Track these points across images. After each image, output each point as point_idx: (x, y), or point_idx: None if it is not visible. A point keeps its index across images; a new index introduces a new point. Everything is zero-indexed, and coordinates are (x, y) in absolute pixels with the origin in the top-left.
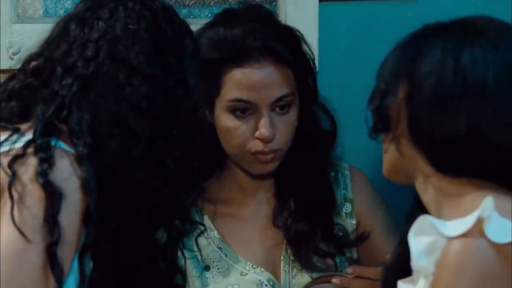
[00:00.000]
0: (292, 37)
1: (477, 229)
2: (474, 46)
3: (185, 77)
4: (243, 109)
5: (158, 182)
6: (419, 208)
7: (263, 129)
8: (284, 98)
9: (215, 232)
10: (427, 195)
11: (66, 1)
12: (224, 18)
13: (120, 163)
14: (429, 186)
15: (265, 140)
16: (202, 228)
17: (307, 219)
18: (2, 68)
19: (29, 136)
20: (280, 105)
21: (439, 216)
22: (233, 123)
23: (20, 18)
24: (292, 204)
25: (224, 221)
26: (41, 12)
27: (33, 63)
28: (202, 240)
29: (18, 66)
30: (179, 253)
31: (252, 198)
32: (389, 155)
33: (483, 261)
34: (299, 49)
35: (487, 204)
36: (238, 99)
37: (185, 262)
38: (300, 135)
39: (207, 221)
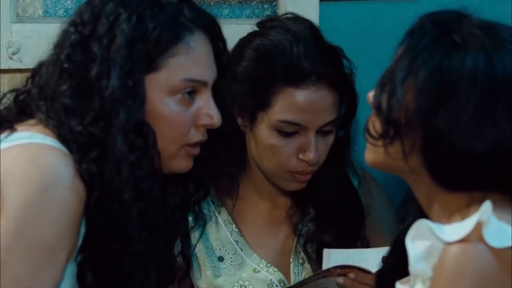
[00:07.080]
0: (338, 59)
1: (476, 234)
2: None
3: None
4: (291, 130)
5: (148, 200)
6: (415, 207)
7: (310, 154)
8: (331, 123)
9: (234, 225)
10: (426, 202)
11: (65, 1)
12: (276, 31)
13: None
14: (430, 196)
15: (310, 163)
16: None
17: (332, 229)
18: (1, 67)
19: (22, 134)
20: (325, 130)
21: (438, 220)
22: (277, 141)
23: (19, 17)
24: (311, 211)
25: (241, 217)
26: (40, 12)
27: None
28: (221, 232)
29: (17, 66)
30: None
31: (268, 200)
32: (389, 158)
33: (481, 266)
34: (344, 72)
35: (485, 209)
36: (289, 121)
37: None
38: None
39: (224, 213)
